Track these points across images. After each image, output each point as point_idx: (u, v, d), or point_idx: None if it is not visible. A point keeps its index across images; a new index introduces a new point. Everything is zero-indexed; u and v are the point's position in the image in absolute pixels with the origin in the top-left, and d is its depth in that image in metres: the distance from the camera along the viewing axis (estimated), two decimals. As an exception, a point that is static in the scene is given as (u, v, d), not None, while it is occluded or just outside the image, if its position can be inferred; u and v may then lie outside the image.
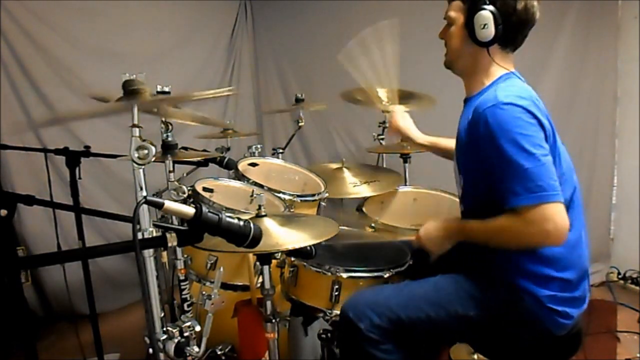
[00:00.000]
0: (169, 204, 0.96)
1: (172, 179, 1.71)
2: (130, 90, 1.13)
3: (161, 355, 1.10)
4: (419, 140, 1.95)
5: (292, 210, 2.01)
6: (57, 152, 1.96)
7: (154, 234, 1.09)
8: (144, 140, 1.06)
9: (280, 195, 2.03)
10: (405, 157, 2.73)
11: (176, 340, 1.10)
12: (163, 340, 1.10)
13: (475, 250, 1.39)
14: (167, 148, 1.73)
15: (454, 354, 2.11)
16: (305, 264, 1.64)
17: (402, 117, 2.02)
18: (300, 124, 2.78)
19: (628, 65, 3.00)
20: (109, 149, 2.06)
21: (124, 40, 3.10)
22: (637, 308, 2.71)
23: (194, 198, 1.88)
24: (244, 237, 1.02)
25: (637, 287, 3.01)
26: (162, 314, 1.14)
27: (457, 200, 1.56)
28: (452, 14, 1.43)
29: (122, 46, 3.08)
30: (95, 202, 2.90)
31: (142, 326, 2.50)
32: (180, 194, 1.65)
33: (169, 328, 1.11)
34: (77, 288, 2.44)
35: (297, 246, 1.35)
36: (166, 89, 1.69)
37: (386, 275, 1.61)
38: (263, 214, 1.44)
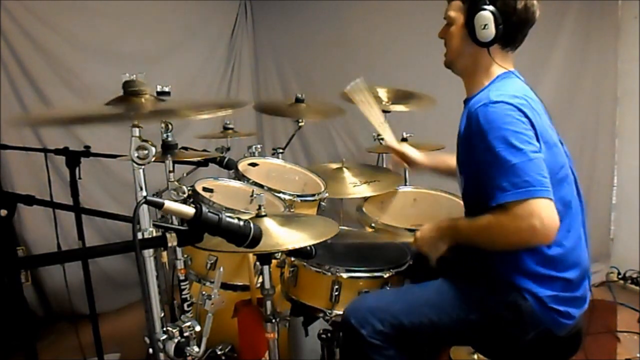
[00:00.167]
0: (169, 204, 0.96)
1: (172, 179, 1.71)
2: (130, 92, 1.13)
3: (161, 355, 1.10)
4: (422, 161, 1.94)
5: (292, 210, 2.01)
6: (57, 152, 1.96)
7: (154, 234, 1.09)
8: (144, 140, 1.06)
9: (280, 195, 2.02)
10: (406, 157, 2.73)
11: (176, 340, 1.10)
12: (163, 340, 1.10)
13: (476, 252, 1.39)
14: (167, 148, 1.73)
15: (454, 354, 2.11)
16: (305, 264, 1.64)
17: (399, 145, 2.00)
18: (300, 124, 2.77)
19: (628, 65, 3.00)
20: (109, 149, 2.06)
21: (124, 40, 3.10)
22: (637, 308, 2.71)
23: (194, 198, 1.88)
24: (244, 237, 1.02)
25: (637, 287, 3.01)
26: (162, 314, 1.14)
27: (457, 200, 1.56)
28: (452, 13, 1.43)
29: (122, 46, 3.09)
30: (95, 202, 2.90)
31: (142, 326, 2.49)
32: (180, 194, 1.65)
33: (169, 328, 1.11)
34: (77, 288, 2.43)
35: (297, 246, 1.35)
36: (166, 89, 1.69)
37: (386, 276, 1.61)
38: (263, 214, 1.44)
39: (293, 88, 3.78)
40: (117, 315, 3.00)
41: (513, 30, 1.37)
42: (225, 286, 1.86)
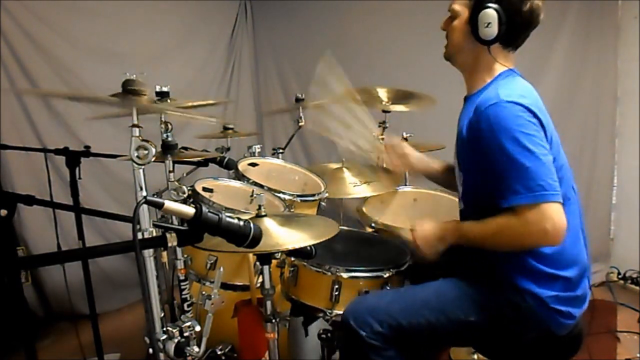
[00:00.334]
0: (169, 204, 0.96)
1: (172, 179, 1.71)
2: (129, 91, 1.13)
3: (161, 355, 1.10)
4: (417, 166, 1.82)
5: (292, 210, 2.01)
6: (57, 152, 1.96)
7: (154, 234, 1.09)
8: (144, 140, 1.06)
9: (280, 195, 2.02)
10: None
11: (176, 340, 1.10)
12: (163, 340, 1.10)
13: (476, 252, 1.39)
14: (167, 148, 1.73)
15: (454, 354, 2.11)
16: (305, 264, 1.64)
17: (399, 145, 1.85)
18: (300, 124, 2.77)
19: (628, 65, 3.00)
20: (109, 149, 2.06)
21: (124, 40, 3.10)
22: (637, 308, 2.71)
23: (194, 198, 1.88)
24: (244, 237, 1.02)
25: (637, 287, 3.01)
26: (162, 314, 1.15)
27: (457, 200, 1.56)
28: (457, 7, 1.42)
29: (122, 46, 3.08)
30: (95, 202, 2.90)
31: (142, 326, 2.51)
32: (180, 194, 1.65)
33: (169, 328, 1.11)
34: (77, 288, 2.44)
35: (297, 246, 1.35)
36: (166, 89, 1.69)
37: (386, 275, 1.61)
38: (263, 214, 1.44)
39: (293, 88, 3.78)
40: (117, 315, 3.00)
41: (516, 31, 1.37)
42: (225, 286, 1.86)
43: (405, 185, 2.40)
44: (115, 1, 3.02)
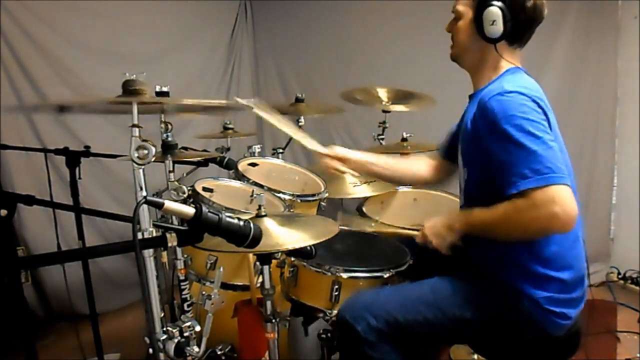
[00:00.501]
0: (169, 204, 0.96)
1: (172, 179, 1.72)
2: (129, 91, 1.13)
3: (161, 355, 1.10)
4: (358, 158, 1.74)
5: (292, 210, 2.01)
6: (57, 152, 1.96)
7: (154, 234, 1.09)
8: (144, 140, 1.06)
9: (280, 195, 2.03)
10: (405, 157, 2.73)
11: (176, 340, 1.10)
12: (163, 340, 1.10)
13: (473, 250, 1.39)
14: (167, 148, 1.73)
15: (454, 354, 2.11)
16: (305, 264, 1.64)
17: (328, 147, 1.74)
18: (300, 124, 2.78)
19: (628, 65, 3.01)
20: (109, 149, 2.06)
21: (124, 40, 3.10)
22: (637, 308, 2.70)
23: (194, 198, 1.88)
24: (244, 237, 1.02)
25: (637, 287, 3.01)
26: (162, 314, 1.15)
27: (457, 200, 1.56)
28: (461, 7, 1.43)
29: (122, 46, 3.08)
30: (95, 202, 2.90)
31: (142, 326, 2.50)
32: (180, 194, 1.65)
33: (169, 328, 1.11)
34: (77, 288, 2.44)
35: (297, 246, 1.35)
36: (165, 89, 1.69)
37: (386, 276, 1.61)
38: (263, 214, 1.44)
39: (293, 88, 3.78)
40: (117, 315, 3.00)
41: (521, 27, 1.37)
42: (225, 286, 1.86)
43: (405, 185, 2.40)
44: (115, 1, 3.02)
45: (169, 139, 1.73)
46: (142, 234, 1.08)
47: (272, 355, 1.49)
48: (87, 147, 2.07)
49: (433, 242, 1.42)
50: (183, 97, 1.21)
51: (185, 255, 1.82)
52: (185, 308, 1.77)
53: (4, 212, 1.33)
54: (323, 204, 2.20)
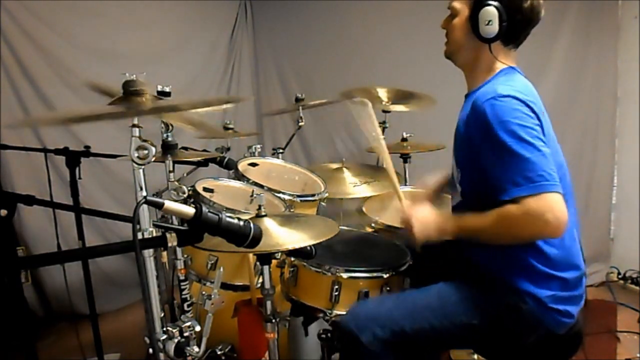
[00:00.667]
0: (169, 204, 0.96)
1: (172, 179, 1.71)
2: (130, 91, 1.13)
3: (161, 355, 1.10)
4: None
5: (292, 210, 2.01)
6: (57, 152, 1.96)
7: (154, 234, 1.09)
8: (144, 140, 1.06)
9: (280, 195, 2.02)
10: (405, 157, 2.74)
11: (176, 340, 1.10)
12: (163, 340, 1.10)
13: (474, 251, 1.39)
14: (167, 148, 1.73)
15: (454, 355, 2.11)
16: (305, 264, 1.64)
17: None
18: (300, 124, 2.78)
19: (628, 65, 3.00)
20: (109, 149, 2.06)
21: (124, 40, 3.10)
22: (637, 308, 2.70)
23: (194, 198, 1.88)
24: (244, 237, 1.02)
25: (637, 287, 3.01)
26: (162, 314, 1.14)
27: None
28: (457, 5, 1.42)
29: (122, 46, 3.08)
30: (95, 202, 2.90)
31: (142, 326, 2.49)
32: (180, 194, 1.65)
33: (169, 328, 1.11)
34: (77, 288, 2.43)
35: (297, 246, 1.35)
36: (166, 89, 1.69)
37: (386, 276, 1.61)
38: (263, 214, 1.44)
39: (293, 88, 3.78)
40: (117, 315, 3.00)
41: (517, 28, 1.37)
42: (225, 286, 1.86)
43: (405, 185, 2.40)
44: (115, 1, 3.02)
45: (169, 138, 1.73)
46: (142, 234, 1.08)
47: (272, 355, 1.49)
48: (87, 147, 2.08)
49: (416, 234, 1.38)
50: (194, 107, 1.19)
51: (186, 255, 1.82)
52: (185, 308, 1.76)
53: (4, 212, 1.33)
54: (323, 204, 2.20)
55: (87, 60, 2.92)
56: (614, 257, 3.19)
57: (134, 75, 1.15)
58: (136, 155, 1.05)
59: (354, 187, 2.34)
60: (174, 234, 1.01)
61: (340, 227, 1.46)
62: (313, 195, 2.14)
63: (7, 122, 2.56)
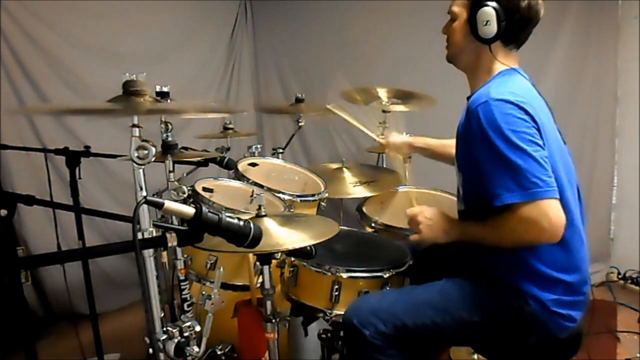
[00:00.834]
0: (169, 204, 0.96)
1: (172, 179, 1.71)
2: (130, 92, 1.13)
3: (161, 355, 1.10)
4: (416, 143, 2.06)
5: (292, 210, 2.01)
6: (57, 152, 1.96)
7: (154, 234, 1.09)
8: (144, 140, 1.06)
9: (280, 195, 2.02)
10: (405, 157, 2.73)
11: (176, 340, 1.10)
12: (163, 340, 1.10)
13: (479, 252, 1.39)
14: (167, 148, 1.73)
15: (454, 354, 2.11)
16: (305, 264, 1.64)
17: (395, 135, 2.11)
18: (300, 124, 2.78)
19: (628, 65, 3.00)
20: (109, 149, 2.06)
21: (124, 40, 3.10)
22: (637, 308, 2.71)
23: (194, 198, 1.88)
24: (244, 237, 1.02)
25: (637, 287, 3.01)
26: (162, 314, 1.15)
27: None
28: (456, 9, 1.43)
29: (122, 46, 3.09)
30: (95, 202, 2.90)
31: (142, 326, 2.50)
32: (180, 194, 1.65)
33: (169, 328, 1.12)
34: (77, 288, 2.44)
35: (297, 246, 1.35)
36: (166, 89, 1.69)
37: (386, 276, 1.61)
38: (263, 214, 1.44)
39: (293, 88, 3.78)
40: (117, 315, 3.00)
41: (516, 28, 1.37)
42: (225, 286, 1.86)
43: (405, 185, 2.40)
44: (115, 1, 3.02)
45: (169, 139, 1.73)
46: (142, 234, 1.08)
47: (272, 355, 1.49)
48: (87, 147, 2.07)
49: (422, 232, 1.44)
50: (197, 111, 1.20)
51: (185, 255, 1.82)
52: (185, 308, 1.76)
53: (4, 212, 1.33)
54: (323, 204, 2.20)
55: (87, 60, 2.92)
56: (614, 257, 3.19)
57: (134, 75, 1.15)
58: (136, 155, 1.05)
59: (354, 187, 2.33)
60: (174, 234, 1.01)
61: (340, 227, 1.46)
62: (313, 195, 2.14)
63: (6, 122, 2.57)
